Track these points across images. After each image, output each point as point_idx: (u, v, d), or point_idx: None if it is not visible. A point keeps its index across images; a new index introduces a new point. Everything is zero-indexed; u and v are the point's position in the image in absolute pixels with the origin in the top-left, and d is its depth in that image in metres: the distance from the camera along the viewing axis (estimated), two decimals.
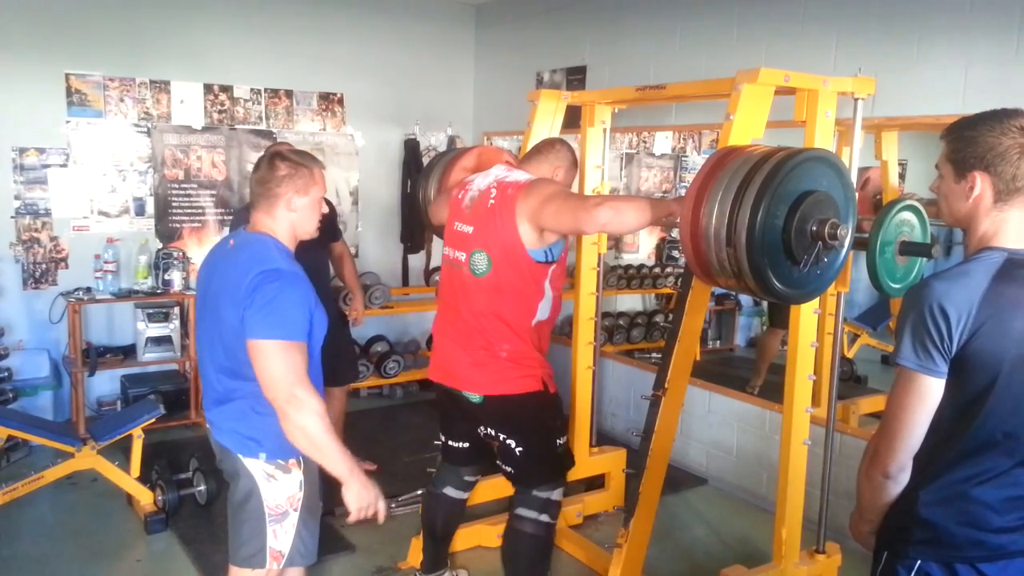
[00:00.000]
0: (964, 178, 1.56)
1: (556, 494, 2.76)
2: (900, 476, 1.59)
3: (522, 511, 2.73)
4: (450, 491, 2.97)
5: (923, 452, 1.58)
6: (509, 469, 2.74)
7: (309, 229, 2.21)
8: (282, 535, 2.17)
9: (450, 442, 2.91)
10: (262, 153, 2.29)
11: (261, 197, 2.13)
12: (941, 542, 1.59)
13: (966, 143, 1.55)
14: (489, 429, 2.70)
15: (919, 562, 1.60)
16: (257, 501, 2.14)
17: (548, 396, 2.68)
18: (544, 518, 2.72)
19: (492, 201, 2.57)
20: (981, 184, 1.54)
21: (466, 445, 2.87)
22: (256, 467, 2.13)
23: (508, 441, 2.67)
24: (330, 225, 3.86)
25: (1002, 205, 1.54)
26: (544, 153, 2.77)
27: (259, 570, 2.18)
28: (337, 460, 2.01)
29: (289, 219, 2.15)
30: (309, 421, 1.96)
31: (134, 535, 3.53)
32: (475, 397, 2.66)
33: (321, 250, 3.86)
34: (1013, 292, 1.49)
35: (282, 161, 2.12)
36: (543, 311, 2.63)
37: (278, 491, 2.15)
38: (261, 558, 2.16)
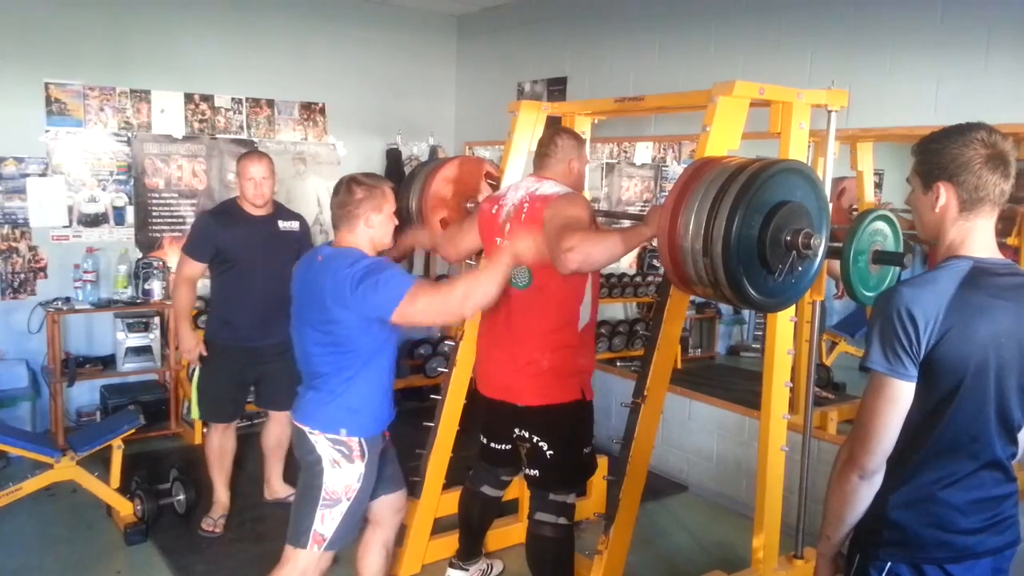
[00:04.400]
0: (930, 189, 1.61)
1: (571, 498, 2.83)
2: (875, 478, 1.62)
3: (541, 516, 2.79)
4: (487, 489, 3.07)
5: (892, 455, 1.61)
6: (535, 472, 2.80)
7: (386, 240, 2.48)
8: (329, 520, 2.37)
9: (492, 444, 2.98)
10: (337, 179, 2.52)
11: (343, 219, 2.41)
12: (910, 544, 1.62)
13: (931, 155, 1.60)
14: (524, 431, 2.79)
15: (889, 564, 1.64)
16: (318, 484, 2.36)
17: (584, 405, 2.77)
18: (562, 520, 2.79)
19: (525, 214, 2.67)
20: (946, 194, 1.59)
21: (508, 447, 2.95)
22: (327, 450, 2.36)
23: (541, 444, 2.75)
24: (302, 237, 3.78)
25: (967, 215, 1.59)
26: (552, 154, 2.80)
27: (301, 550, 2.38)
28: (500, 271, 2.31)
29: (368, 234, 2.42)
30: (483, 290, 2.28)
31: (114, 546, 3.51)
32: (520, 406, 2.76)
33: (286, 265, 3.76)
34: (979, 299, 1.53)
35: (358, 186, 2.41)
36: (584, 314, 2.73)
37: (339, 478, 2.37)
38: (306, 539, 2.37)
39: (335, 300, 2.28)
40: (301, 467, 2.46)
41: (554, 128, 2.94)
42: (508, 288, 2.67)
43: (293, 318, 2.50)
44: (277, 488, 3.90)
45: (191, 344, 3.57)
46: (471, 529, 3.17)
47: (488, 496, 3.08)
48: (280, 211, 3.69)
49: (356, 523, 2.48)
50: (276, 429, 3.81)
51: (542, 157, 2.84)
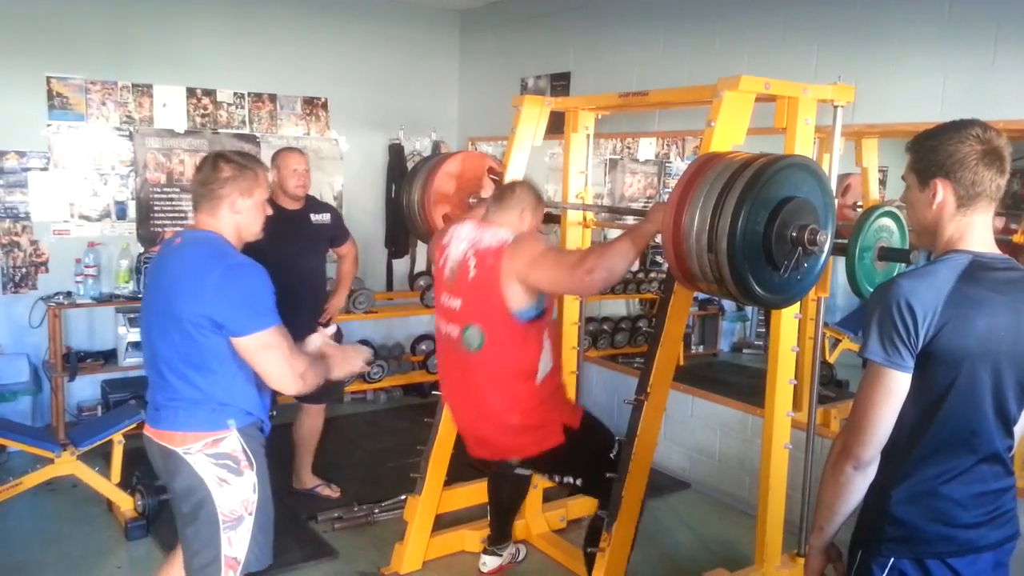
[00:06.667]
0: (927, 186, 1.62)
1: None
2: (869, 469, 1.62)
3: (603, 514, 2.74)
4: (520, 469, 2.98)
5: (892, 450, 1.61)
6: (580, 493, 2.81)
7: (254, 231, 2.21)
8: (237, 542, 2.13)
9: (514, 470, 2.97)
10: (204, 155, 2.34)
11: (204, 198, 2.13)
12: (913, 539, 1.62)
13: (927, 152, 1.61)
14: (540, 473, 2.79)
15: (892, 559, 1.64)
16: (210, 508, 2.10)
17: (575, 433, 2.68)
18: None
19: (473, 272, 2.53)
20: (943, 191, 1.59)
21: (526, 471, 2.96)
22: (208, 472, 2.09)
23: (565, 479, 2.74)
24: (334, 229, 3.85)
25: (965, 210, 1.60)
26: (506, 200, 2.66)
27: None
28: (326, 372, 2.22)
29: (234, 220, 2.15)
30: (316, 377, 2.14)
31: (114, 541, 3.50)
32: (512, 462, 2.74)
33: (317, 258, 3.84)
34: (977, 292, 1.54)
35: (226, 163, 2.12)
36: (544, 365, 2.61)
37: (231, 496, 2.11)
38: (215, 568, 2.12)
39: (190, 293, 2.02)
40: (175, 497, 2.16)
41: (519, 181, 2.84)
42: (462, 352, 2.59)
43: (144, 314, 2.22)
44: (306, 479, 3.97)
45: None
46: (502, 509, 3.19)
47: (520, 474, 3.04)
48: (311, 204, 3.74)
49: (269, 537, 2.22)
50: (308, 421, 3.89)
51: (495, 200, 2.70)
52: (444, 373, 2.81)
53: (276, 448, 2.50)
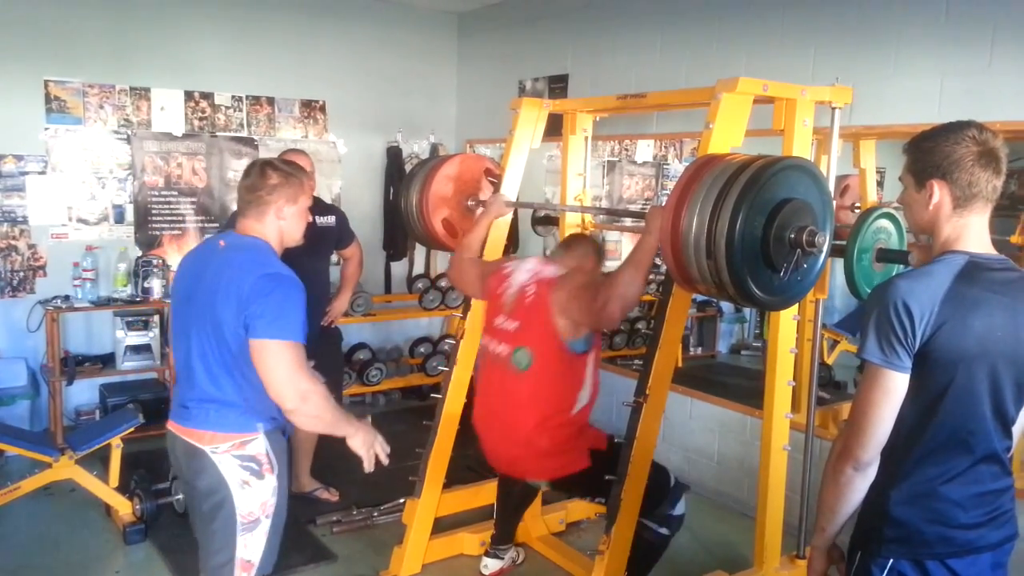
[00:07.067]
0: (924, 187, 1.63)
1: (677, 508, 2.83)
2: (869, 469, 1.62)
3: (646, 520, 2.77)
4: (546, 489, 3.12)
5: (891, 451, 1.61)
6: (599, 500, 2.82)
7: (296, 237, 2.27)
8: (252, 544, 2.15)
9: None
10: (250, 161, 2.35)
11: (251, 204, 2.17)
12: (912, 540, 1.63)
13: (924, 154, 1.62)
14: (571, 496, 2.89)
15: (891, 560, 1.64)
16: (229, 509, 2.12)
17: (601, 455, 2.74)
18: (663, 531, 2.81)
19: (530, 298, 2.71)
20: (939, 192, 1.60)
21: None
22: (233, 473, 2.11)
23: (595, 500, 2.81)
24: (339, 232, 3.85)
25: (961, 211, 1.61)
26: (572, 248, 2.90)
27: None
28: (344, 425, 2.13)
29: (278, 226, 2.20)
30: (320, 409, 2.06)
31: (113, 545, 3.50)
32: (535, 483, 2.82)
33: (322, 260, 3.84)
34: (974, 293, 1.55)
35: (273, 170, 2.18)
36: (583, 399, 2.73)
37: (252, 498, 2.13)
38: (229, 569, 2.14)
39: (231, 297, 2.05)
40: (195, 496, 2.19)
41: (585, 234, 3.19)
42: (509, 371, 2.70)
43: (177, 312, 2.23)
44: (304, 482, 3.95)
45: None
46: (509, 510, 3.23)
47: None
48: (316, 206, 3.70)
49: (279, 541, 2.25)
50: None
51: (562, 246, 2.97)
52: (483, 390, 2.89)
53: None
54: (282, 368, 2.01)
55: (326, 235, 3.75)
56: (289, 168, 2.22)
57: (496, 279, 2.88)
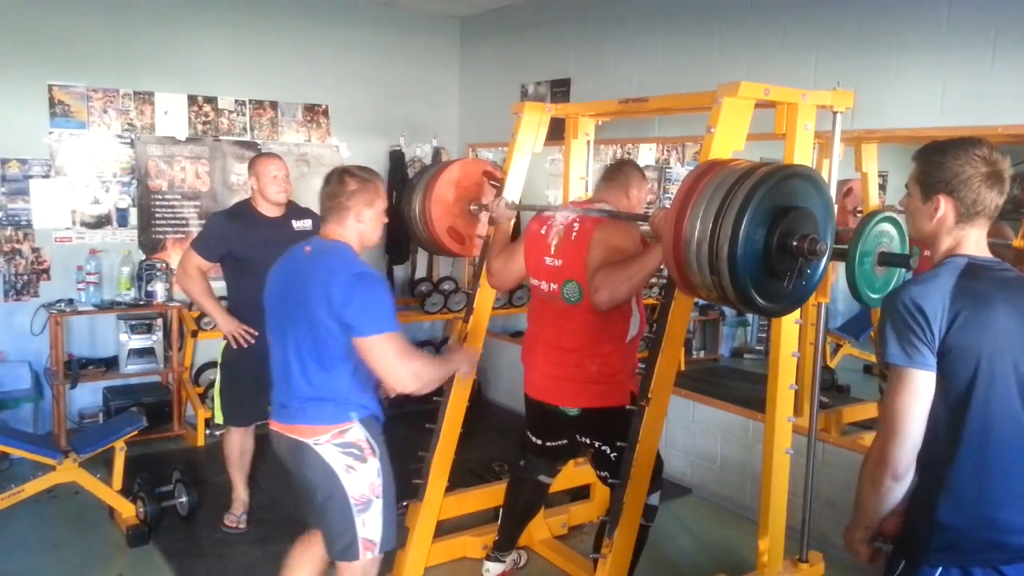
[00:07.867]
0: (930, 199, 1.69)
1: (653, 499, 2.86)
2: (907, 476, 1.63)
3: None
4: (543, 478, 3.16)
5: (931, 455, 1.61)
6: (605, 474, 2.85)
7: (374, 238, 2.43)
8: (371, 523, 2.33)
9: (547, 443, 3.04)
10: (330, 171, 2.48)
11: (332, 211, 2.35)
12: (960, 547, 1.61)
13: (933, 167, 1.68)
14: (585, 438, 2.87)
15: (940, 569, 1.62)
16: (341, 495, 2.29)
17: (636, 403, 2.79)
18: (641, 521, 2.79)
19: (575, 234, 2.74)
20: (945, 206, 1.67)
21: (565, 442, 3.01)
22: (337, 460, 2.28)
23: (603, 448, 2.82)
24: (316, 235, 3.84)
25: (963, 225, 1.68)
26: (614, 179, 2.93)
27: (354, 562, 2.34)
28: (451, 367, 2.57)
29: (358, 229, 2.36)
30: (433, 376, 2.35)
31: (116, 548, 3.50)
32: (572, 411, 2.83)
33: None
34: (980, 287, 1.61)
35: (351, 177, 2.35)
36: (633, 328, 2.80)
37: (359, 481, 2.31)
38: (355, 550, 2.32)
39: (325, 298, 2.22)
40: (308, 488, 2.35)
41: (625, 159, 3.12)
42: (561, 304, 2.78)
43: (272, 317, 2.40)
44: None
45: (232, 325, 3.51)
46: (516, 517, 3.23)
47: (542, 483, 3.16)
48: (292, 210, 3.69)
49: (394, 518, 2.43)
50: None
51: (604, 179, 2.96)
52: (535, 320, 2.97)
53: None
54: (390, 358, 2.21)
55: (303, 239, 3.68)
56: (366, 174, 2.37)
57: (537, 223, 2.92)
